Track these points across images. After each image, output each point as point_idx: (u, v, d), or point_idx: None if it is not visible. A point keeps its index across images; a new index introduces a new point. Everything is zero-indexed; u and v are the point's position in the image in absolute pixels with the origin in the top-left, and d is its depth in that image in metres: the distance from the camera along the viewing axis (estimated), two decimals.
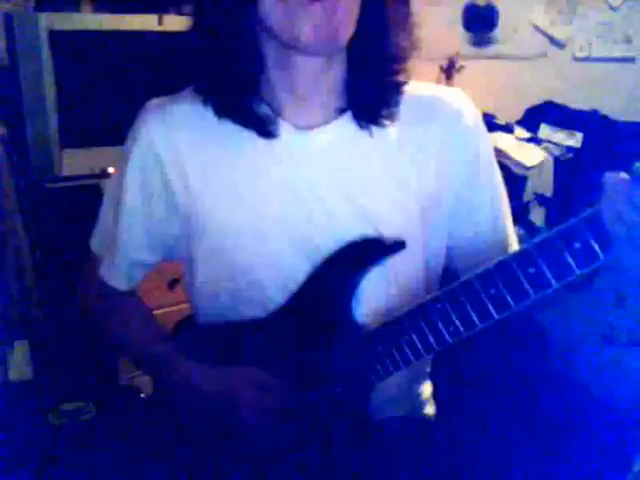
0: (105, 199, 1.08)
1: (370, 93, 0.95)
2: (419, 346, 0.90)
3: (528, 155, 2.29)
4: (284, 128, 0.95)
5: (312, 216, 0.96)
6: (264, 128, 0.94)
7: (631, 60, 2.35)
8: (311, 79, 0.93)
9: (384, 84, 0.95)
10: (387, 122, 0.96)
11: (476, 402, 1.41)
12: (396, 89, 0.96)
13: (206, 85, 0.94)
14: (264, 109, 0.94)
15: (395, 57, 0.94)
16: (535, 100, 2.50)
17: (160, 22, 2.20)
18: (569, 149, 2.33)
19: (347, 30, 0.86)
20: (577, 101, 2.41)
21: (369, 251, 0.96)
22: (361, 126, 0.96)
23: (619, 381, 1.52)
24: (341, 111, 0.97)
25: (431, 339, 0.88)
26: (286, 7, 0.84)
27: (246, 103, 0.93)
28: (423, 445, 1.06)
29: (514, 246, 1.05)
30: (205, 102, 0.94)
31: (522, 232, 2.09)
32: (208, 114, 0.95)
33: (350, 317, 0.97)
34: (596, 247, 0.75)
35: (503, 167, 2.15)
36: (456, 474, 1.05)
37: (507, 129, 2.40)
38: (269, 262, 0.98)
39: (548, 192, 2.29)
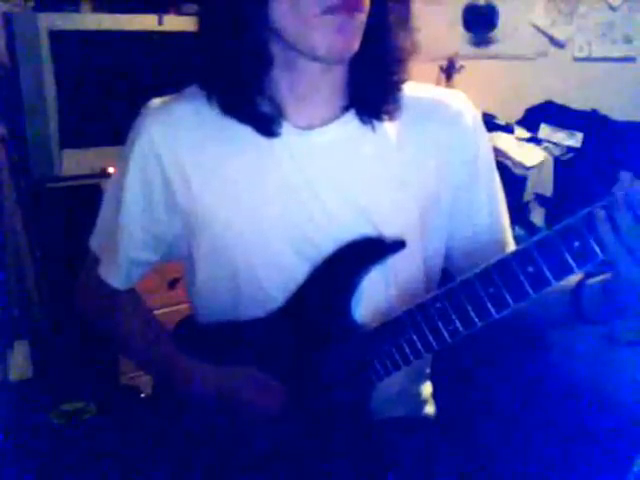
0: (105, 198, 1.08)
1: (372, 91, 0.95)
2: (419, 345, 0.90)
3: (528, 155, 2.28)
4: (285, 128, 0.95)
5: (312, 216, 0.96)
6: (266, 126, 0.94)
7: (631, 60, 2.35)
8: (313, 80, 0.94)
9: (386, 83, 0.95)
10: (389, 117, 0.96)
11: (476, 402, 1.41)
12: (397, 87, 0.96)
13: (211, 81, 0.94)
14: (267, 107, 0.94)
15: (396, 58, 0.94)
16: (535, 100, 2.50)
17: (160, 22, 2.20)
18: (569, 149, 2.33)
19: (359, 39, 0.88)
20: (577, 101, 2.41)
21: (369, 251, 0.96)
22: (363, 122, 0.96)
23: (619, 381, 1.52)
24: (342, 111, 0.97)
25: (431, 338, 0.88)
26: (300, 18, 0.85)
27: (250, 100, 0.93)
28: (423, 445, 1.06)
29: (511, 247, 1.06)
30: (210, 98, 0.94)
31: (522, 232, 2.09)
32: (209, 114, 0.95)
33: (350, 317, 0.97)
34: (595, 246, 0.75)
35: (503, 167, 2.16)
36: (456, 474, 1.05)
37: (507, 129, 2.40)
38: (269, 262, 0.98)
39: (548, 192, 2.28)
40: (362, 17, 0.87)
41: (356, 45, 0.88)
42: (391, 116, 0.97)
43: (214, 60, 0.92)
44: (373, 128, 0.97)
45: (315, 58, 0.89)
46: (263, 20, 0.88)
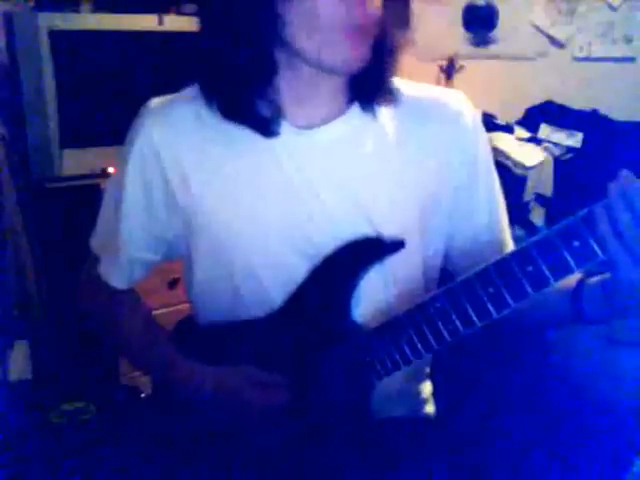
0: (105, 198, 1.08)
1: (369, 82, 0.95)
2: (418, 345, 0.90)
3: (528, 155, 2.28)
4: (285, 127, 0.95)
5: (312, 216, 0.96)
6: (265, 127, 0.94)
7: (631, 60, 2.35)
8: (313, 82, 0.94)
9: (384, 78, 0.96)
10: (387, 101, 0.97)
11: (476, 402, 1.41)
12: (392, 73, 0.97)
13: (212, 82, 0.94)
14: (266, 108, 0.94)
15: (394, 55, 0.95)
16: (535, 100, 2.50)
17: (160, 22, 2.20)
18: (569, 149, 2.33)
19: (370, 50, 0.89)
20: (577, 101, 2.41)
21: (368, 251, 0.96)
22: (364, 110, 0.96)
23: (619, 381, 1.52)
24: (343, 110, 0.97)
25: (430, 338, 0.88)
26: (316, 34, 0.86)
27: (250, 101, 0.93)
28: (423, 445, 1.06)
29: (510, 247, 1.06)
30: (209, 99, 0.94)
31: (522, 232, 2.09)
32: (208, 114, 0.95)
33: (349, 317, 0.97)
34: (594, 245, 0.75)
35: (503, 167, 2.16)
36: (456, 474, 1.05)
37: (507, 129, 2.40)
38: (269, 262, 0.98)
39: (548, 192, 2.28)
40: (375, 30, 0.88)
41: (368, 57, 0.89)
42: (389, 99, 0.97)
43: (216, 67, 0.92)
44: (374, 116, 0.96)
45: (328, 71, 0.89)
46: (273, 34, 0.88)
